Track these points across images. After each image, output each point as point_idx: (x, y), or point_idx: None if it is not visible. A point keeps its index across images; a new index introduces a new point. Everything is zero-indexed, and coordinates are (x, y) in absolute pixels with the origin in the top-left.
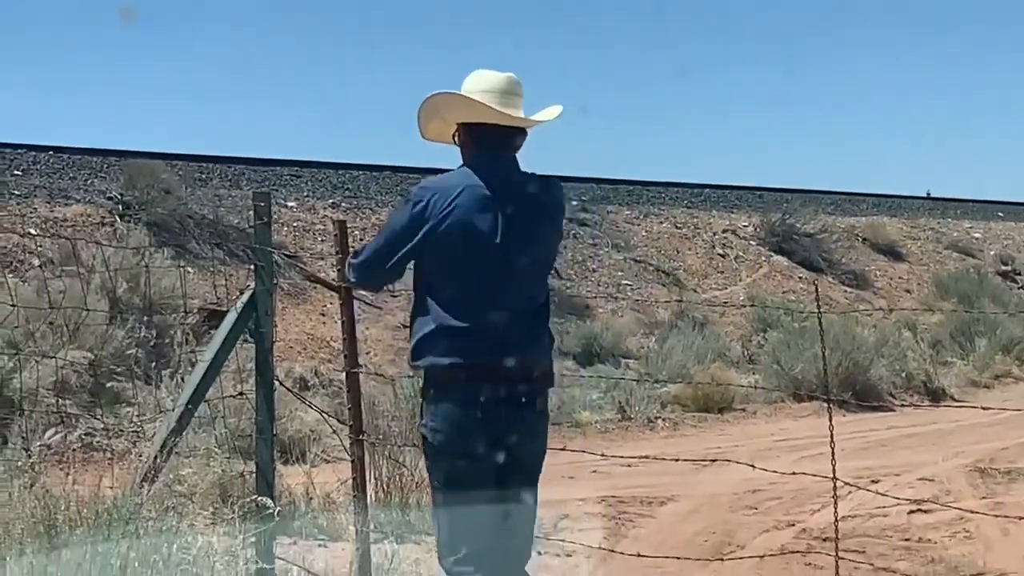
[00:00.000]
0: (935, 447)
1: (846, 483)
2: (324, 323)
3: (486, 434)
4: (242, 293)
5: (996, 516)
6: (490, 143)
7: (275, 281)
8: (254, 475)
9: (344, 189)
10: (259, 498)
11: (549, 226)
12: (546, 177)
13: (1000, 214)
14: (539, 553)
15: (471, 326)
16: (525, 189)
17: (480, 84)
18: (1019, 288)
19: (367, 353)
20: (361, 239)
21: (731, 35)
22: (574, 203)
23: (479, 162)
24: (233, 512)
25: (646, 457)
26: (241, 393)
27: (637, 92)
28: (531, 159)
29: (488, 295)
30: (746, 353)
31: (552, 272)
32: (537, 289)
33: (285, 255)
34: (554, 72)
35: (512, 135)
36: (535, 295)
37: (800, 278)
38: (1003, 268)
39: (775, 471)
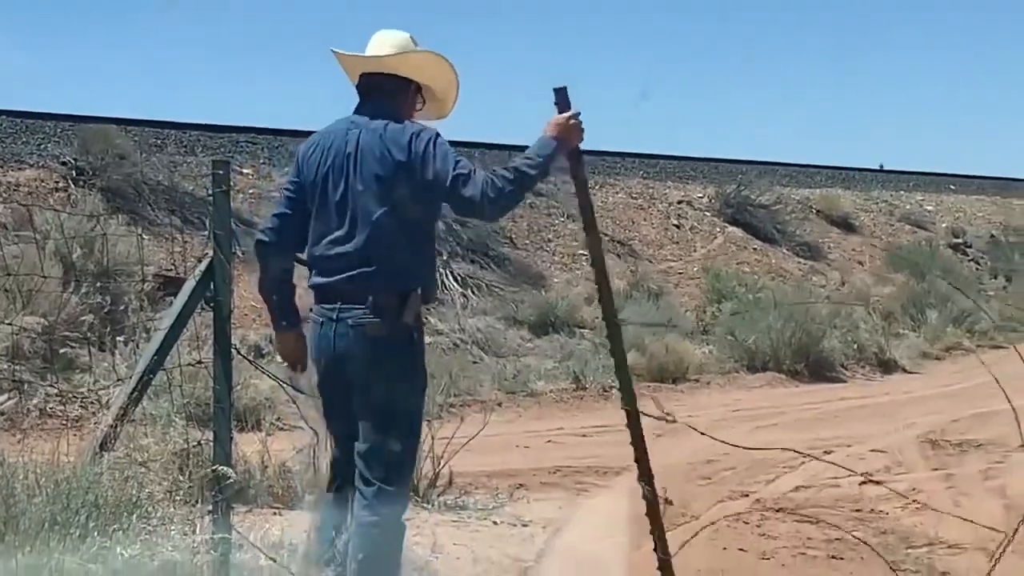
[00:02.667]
0: (887, 419)
1: (799, 452)
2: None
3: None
4: (200, 261)
5: (948, 488)
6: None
7: (232, 249)
8: (211, 444)
9: None
10: (220, 468)
11: (371, 174)
12: (408, 129)
13: (952, 187)
14: (494, 523)
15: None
16: (364, 131)
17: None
18: (969, 260)
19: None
20: None
21: (689, 6)
22: None
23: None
24: (191, 482)
25: (602, 427)
26: (199, 361)
27: (593, 61)
28: (492, 129)
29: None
30: (700, 324)
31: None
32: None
33: (240, 223)
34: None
35: (375, 81)
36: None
37: (754, 249)
38: (954, 241)
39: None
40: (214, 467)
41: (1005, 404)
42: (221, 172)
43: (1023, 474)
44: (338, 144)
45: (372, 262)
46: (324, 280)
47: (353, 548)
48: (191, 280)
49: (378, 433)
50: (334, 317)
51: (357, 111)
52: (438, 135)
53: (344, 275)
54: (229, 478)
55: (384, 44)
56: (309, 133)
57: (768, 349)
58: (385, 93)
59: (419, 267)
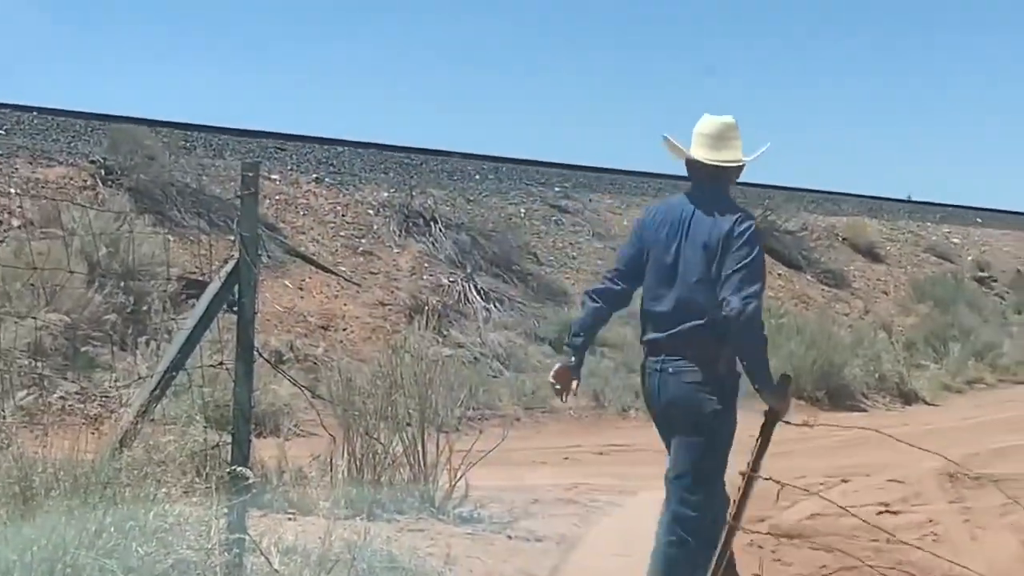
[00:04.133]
0: (906, 449)
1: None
2: (302, 298)
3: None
4: (225, 263)
5: (965, 521)
6: (694, 176)
7: (259, 252)
8: (229, 446)
9: (328, 164)
10: (238, 468)
11: (701, 249)
12: (730, 213)
13: (979, 220)
14: (509, 538)
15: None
16: (698, 215)
17: (697, 127)
18: (994, 294)
19: (344, 330)
20: (343, 215)
21: (721, 28)
22: (556, 190)
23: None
24: (209, 482)
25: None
26: (221, 363)
27: (622, 83)
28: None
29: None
30: None
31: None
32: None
33: (265, 227)
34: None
35: (714, 171)
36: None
37: (779, 275)
38: (979, 274)
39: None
40: (232, 468)
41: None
42: (251, 174)
43: None
44: (675, 217)
45: (689, 320)
46: (653, 336)
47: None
48: (216, 281)
49: (689, 463)
50: (658, 368)
51: (696, 189)
52: (756, 234)
53: (666, 332)
54: (247, 479)
55: (731, 143)
56: (337, 142)
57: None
58: (723, 182)
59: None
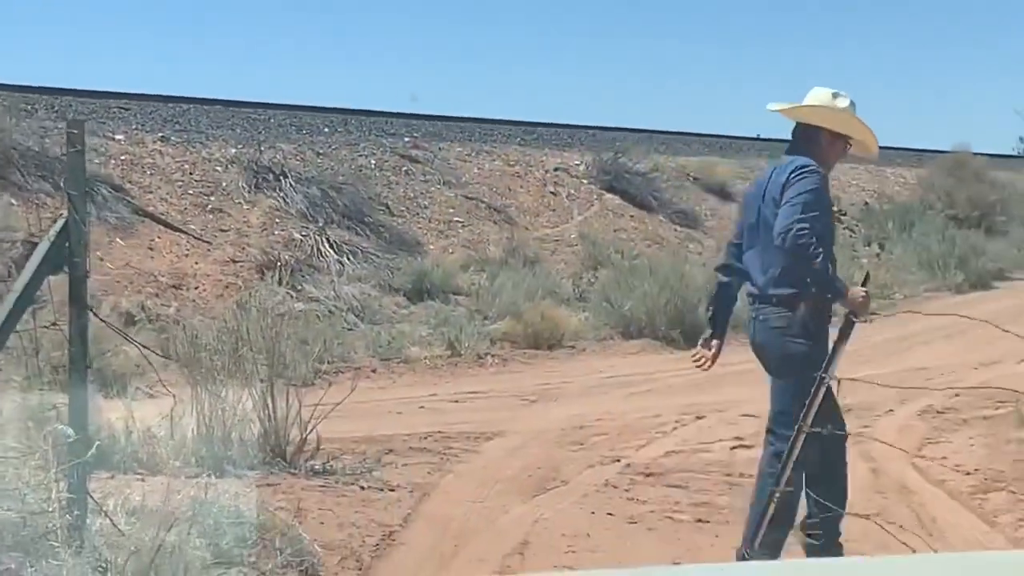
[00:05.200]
0: (760, 384)
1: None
2: (152, 258)
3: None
4: (55, 222)
5: None
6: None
7: (88, 209)
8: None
9: (174, 123)
10: (59, 426)
11: (771, 199)
12: (794, 165)
13: None
14: (361, 488)
15: None
16: (774, 174)
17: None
18: (844, 228)
19: (196, 288)
20: (191, 173)
21: None
22: (406, 139)
23: None
24: (46, 443)
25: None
26: (54, 323)
27: (468, 30)
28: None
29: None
30: (576, 291)
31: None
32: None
33: (112, 188)
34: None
35: (798, 130)
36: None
37: (631, 216)
38: None
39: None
40: (56, 426)
41: (872, 370)
42: (76, 132)
43: (890, 438)
44: (760, 180)
45: (770, 271)
46: (749, 288)
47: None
48: (45, 241)
49: (780, 402)
50: (753, 316)
51: (786, 152)
52: (808, 175)
53: (755, 284)
54: (69, 437)
55: (810, 99)
56: (182, 99)
57: (644, 316)
58: (802, 140)
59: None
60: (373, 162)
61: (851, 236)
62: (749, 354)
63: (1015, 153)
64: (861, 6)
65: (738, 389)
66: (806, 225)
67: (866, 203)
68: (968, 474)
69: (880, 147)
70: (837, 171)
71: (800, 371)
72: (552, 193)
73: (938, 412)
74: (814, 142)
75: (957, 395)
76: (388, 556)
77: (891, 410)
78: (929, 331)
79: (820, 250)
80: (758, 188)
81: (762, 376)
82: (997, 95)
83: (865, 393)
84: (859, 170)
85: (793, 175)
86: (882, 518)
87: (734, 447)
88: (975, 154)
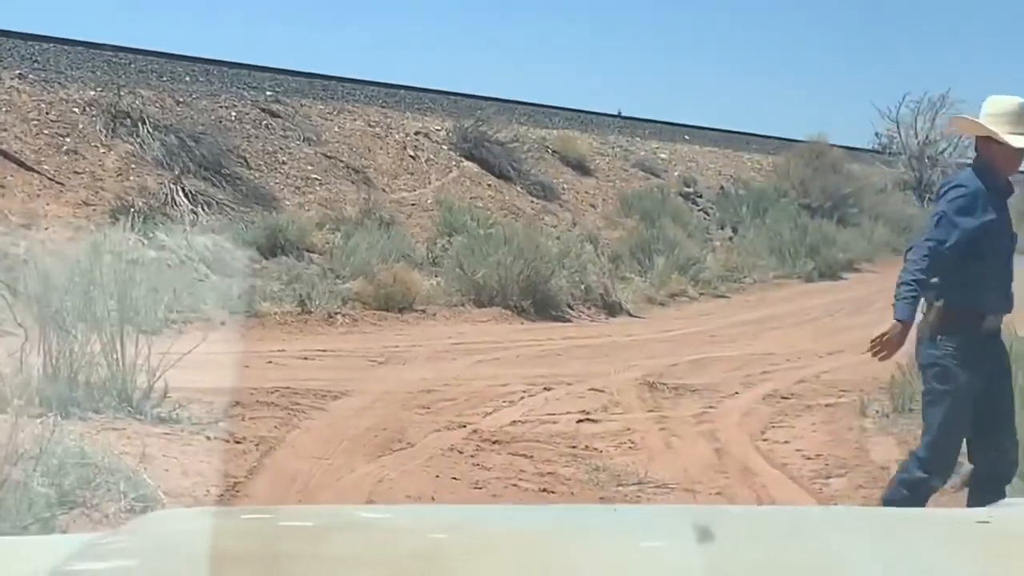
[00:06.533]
0: (608, 359)
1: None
2: (2, 196)
3: None
4: None
5: (661, 429)
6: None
7: None
8: None
9: (32, 61)
10: None
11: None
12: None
13: (687, 137)
14: (207, 438)
15: None
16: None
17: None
18: (699, 210)
19: (47, 229)
20: (48, 113)
21: None
22: (267, 94)
23: None
24: None
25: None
26: None
27: None
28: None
29: None
30: (430, 256)
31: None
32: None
33: None
34: None
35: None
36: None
37: (489, 185)
38: (685, 190)
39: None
40: None
41: (721, 352)
42: None
43: (734, 419)
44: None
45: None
46: None
47: None
48: None
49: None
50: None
51: None
52: (949, 192)
53: None
54: None
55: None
56: (41, 38)
57: (496, 284)
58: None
59: (947, 287)
60: (234, 114)
61: (705, 218)
62: (600, 328)
63: (871, 147)
64: None
65: (585, 362)
66: (925, 249)
67: (722, 187)
68: (809, 459)
69: (737, 132)
70: (695, 153)
71: (926, 382)
72: (411, 157)
73: (783, 397)
74: (979, 148)
75: (802, 381)
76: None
77: (736, 392)
78: (780, 317)
79: (914, 267)
80: None
81: (610, 352)
82: (857, 88)
83: (712, 375)
84: (716, 154)
85: (940, 192)
86: (724, 498)
87: (580, 420)
88: (832, 145)
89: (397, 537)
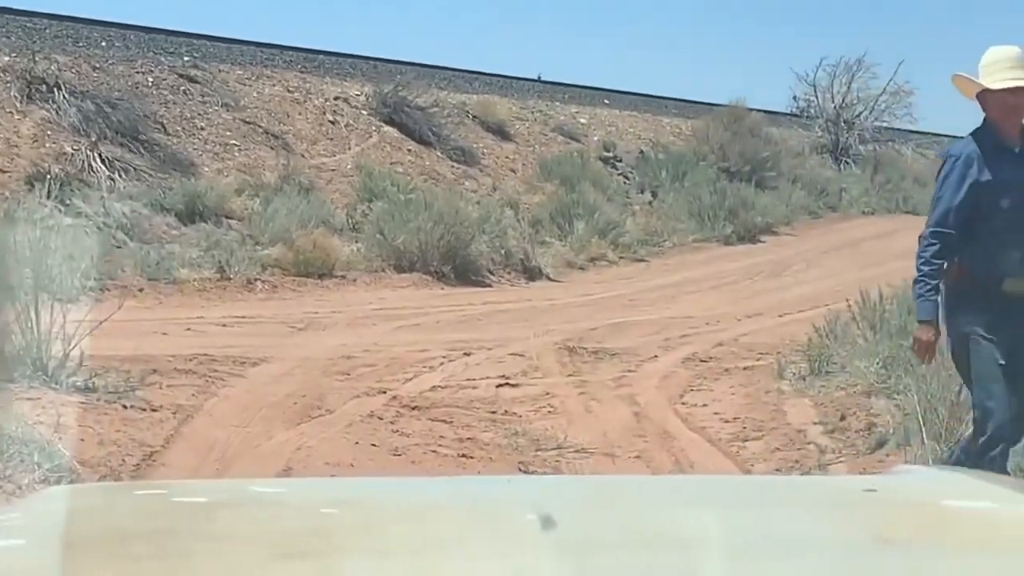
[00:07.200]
0: (527, 324)
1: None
2: None
3: None
4: None
5: (581, 394)
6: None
7: None
8: None
9: None
10: None
11: None
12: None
13: (607, 101)
14: (124, 407)
15: None
16: None
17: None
18: (619, 174)
19: None
20: None
21: None
22: (185, 59)
23: None
24: None
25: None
26: None
27: None
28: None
29: None
30: (350, 221)
31: None
32: None
33: None
34: None
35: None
36: None
37: (409, 150)
38: (605, 154)
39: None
40: None
41: (640, 316)
42: None
43: (653, 383)
44: None
45: None
46: None
47: None
48: None
49: None
50: None
51: None
52: (943, 165)
53: None
54: None
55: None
56: None
57: (416, 250)
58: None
59: (962, 249)
60: (151, 80)
61: (625, 182)
62: (520, 293)
63: (789, 111)
64: None
65: (507, 328)
66: (929, 231)
67: (641, 151)
68: (727, 422)
69: (657, 97)
70: (615, 117)
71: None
72: (331, 122)
73: (701, 360)
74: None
75: (720, 344)
76: (148, 476)
77: (656, 356)
78: (698, 281)
79: (919, 261)
80: None
81: (529, 316)
82: (776, 52)
83: (631, 339)
84: (636, 119)
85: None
86: (642, 461)
87: (500, 385)
88: (751, 109)
89: (289, 512)
